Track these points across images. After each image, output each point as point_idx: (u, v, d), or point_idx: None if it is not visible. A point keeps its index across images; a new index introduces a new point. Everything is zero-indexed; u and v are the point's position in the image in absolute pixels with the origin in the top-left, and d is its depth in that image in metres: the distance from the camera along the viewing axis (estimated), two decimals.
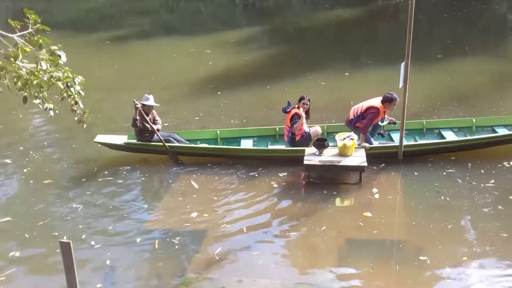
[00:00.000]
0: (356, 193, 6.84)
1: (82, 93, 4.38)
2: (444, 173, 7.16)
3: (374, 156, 7.32)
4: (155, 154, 7.87)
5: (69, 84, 4.28)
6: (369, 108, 7.44)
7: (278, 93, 10.82)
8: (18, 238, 6.03)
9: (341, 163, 6.96)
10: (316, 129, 7.78)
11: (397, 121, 7.69)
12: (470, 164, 7.34)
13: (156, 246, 5.81)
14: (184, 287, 5.18)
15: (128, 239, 5.96)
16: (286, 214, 6.40)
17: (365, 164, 6.90)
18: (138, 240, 5.93)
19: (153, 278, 5.34)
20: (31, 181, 7.41)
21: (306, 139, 7.66)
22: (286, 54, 14.96)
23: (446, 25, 18.17)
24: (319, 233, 5.97)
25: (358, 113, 7.55)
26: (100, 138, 7.98)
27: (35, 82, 4.13)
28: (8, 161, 8.09)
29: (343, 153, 7.07)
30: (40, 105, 4.21)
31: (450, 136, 7.96)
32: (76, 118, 4.62)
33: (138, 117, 7.57)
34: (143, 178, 7.52)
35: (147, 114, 7.71)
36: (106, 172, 7.60)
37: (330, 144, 7.34)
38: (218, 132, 8.26)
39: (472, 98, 10.43)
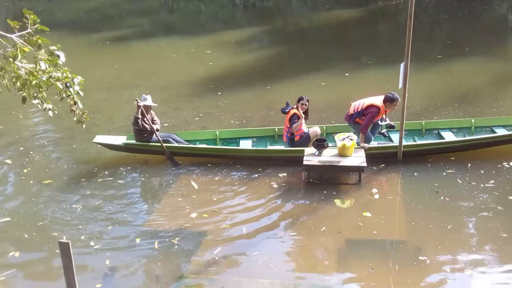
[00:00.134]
0: (355, 193, 6.84)
1: (81, 93, 4.38)
2: (444, 173, 7.16)
3: (373, 157, 7.32)
4: (155, 155, 7.87)
5: (68, 84, 4.28)
6: (370, 106, 7.44)
7: (278, 94, 10.83)
8: (17, 239, 6.03)
9: (340, 164, 6.96)
10: (315, 130, 7.78)
11: (394, 125, 7.70)
12: (469, 165, 7.34)
13: (156, 246, 5.81)
14: (183, 287, 5.18)
15: (127, 239, 5.96)
16: (285, 214, 6.40)
17: (365, 164, 6.90)
18: (138, 240, 5.93)
19: (152, 279, 5.34)
20: (31, 181, 7.42)
21: (305, 140, 7.66)
22: (287, 54, 14.96)
23: (446, 25, 18.17)
24: (319, 233, 5.97)
25: (359, 110, 7.54)
26: (99, 138, 7.99)
27: (34, 82, 4.13)
28: (8, 161, 8.10)
29: (342, 153, 7.07)
30: (39, 105, 4.22)
31: (449, 137, 7.96)
32: (75, 118, 4.62)
33: (140, 116, 7.58)
34: (143, 179, 7.53)
35: (146, 114, 7.71)
36: (106, 173, 7.60)
37: (330, 144, 7.33)
38: (217, 132, 8.26)
39: (472, 99, 10.43)
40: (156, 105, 8.05)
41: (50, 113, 4.32)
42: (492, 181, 6.88)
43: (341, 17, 20.16)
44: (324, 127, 8.27)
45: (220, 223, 6.21)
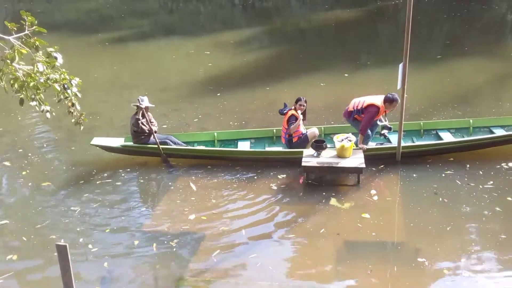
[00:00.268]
0: (354, 194, 6.83)
1: (79, 95, 4.38)
2: (443, 174, 7.15)
3: (372, 158, 7.31)
4: (153, 157, 7.85)
5: (66, 86, 4.28)
6: (370, 105, 7.43)
7: (277, 94, 10.81)
8: (15, 241, 6.03)
9: (339, 165, 6.95)
10: (313, 131, 7.77)
11: (391, 126, 7.70)
12: (468, 165, 7.33)
13: (154, 249, 5.80)
14: None
15: (126, 242, 5.95)
16: (284, 216, 6.39)
17: (363, 165, 6.89)
18: (136, 242, 5.92)
19: (151, 281, 5.34)
20: (30, 184, 7.41)
21: (303, 141, 7.65)
22: (286, 55, 14.95)
23: (445, 25, 18.15)
24: (318, 235, 5.96)
25: (359, 108, 7.53)
26: (97, 140, 7.98)
27: (31, 84, 4.13)
28: (6, 163, 8.09)
29: (341, 154, 7.06)
30: (36, 107, 4.22)
31: (447, 137, 7.96)
32: (73, 120, 4.61)
33: (141, 117, 7.58)
34: (141, 181, 7.51)
35: (143, 116, 7.70)
36: (105, 175, 7.59)
37: (328, 145, 7.32)
38: (216, 134, 8.25)
39: (471, 99, 10.42)
40: (154, 105, 8.04)
41: (48, 115, 4.32)
42: (491, 182, 6.87)
43: (340, 17, 20.15)
44: (322, 128, 8.26)
45: (219, 226, 6.19)
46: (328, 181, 7.16)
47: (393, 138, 7.88)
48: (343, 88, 11.35)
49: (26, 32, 4.07)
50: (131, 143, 7.81)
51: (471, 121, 8.19)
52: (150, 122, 7.77)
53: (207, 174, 7.49)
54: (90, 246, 5.87)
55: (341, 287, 5.15)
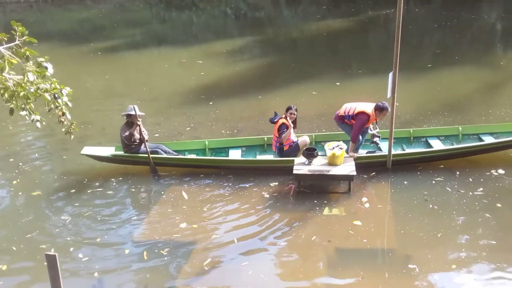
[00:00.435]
0: (346, 202, 6.86)
1: (70, 104, 4.38)
2: (433, 181, 7.20)
3: (363, 166, 7.36)
4: (144, 166, 7.84)
5: (56, 95, 4.29)
6: (361, 113, 7.49)
7: (270, 103, 10.86)
8: (5, 251, 5.98)
9: (330, 172, 6.98)
10: (304, 139, 7.80)
11: (379, 135, 7.77)
12: (458, 173, 7.39)
13: (145, 257, 5.78)
14: None
15: (116, 250, 5.93)
16: (276, 223, 6.39)
17: (354, 173, 6.92)
18: (127, 251, 5.90)
19: None
20: (20, 193, 7.38)
21: (294, 149, 7.68)
22: (278, 64, 15.04)
23: (436, 35, 18.35)
24: (309, 242, 5.98)
25: (350, 113, 7.59)
26: (87, 150, 7.96)
27: (21, 93, 4.14)
28: None
29: (332, 162, 7.10)
30: (27, 116, 4.22)
31: (436, 144, 8.03)
32: (63, 129, 4.62)
33: (135, 134, 7.59)
34: (133, 190, 7.49)
35: (133, 125, 7.69)
36: (96, 184, 7.57)
37: (319, 153, 7.36)
38: (207, 142, 8.26)
39: (461, 107, 10.52)
40: (144, 114, 8.03)
41: (38, 124, 4.32)
42: (481, 189, 6.92)
43: (332, 27, 20.32)
44: (313, 135, 8.30)
45: (210, 234, 6.19)
46: (319, 189, 7.18)
47: (384, 146, 7.94)
48: (335, 97, 11.40)
49: (17, 42, 4.09)
50: (121, 153, 7.80)
51: (460, 128, 8.27)
52: (141, 130, 7.75)
53: (199, 183, 7.49)
54: (80, 255, 5.85)
55: None
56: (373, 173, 7.46)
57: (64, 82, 4.33)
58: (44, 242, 6.12)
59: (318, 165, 7.14)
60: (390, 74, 7.04)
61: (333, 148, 7.13)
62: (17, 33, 4.09)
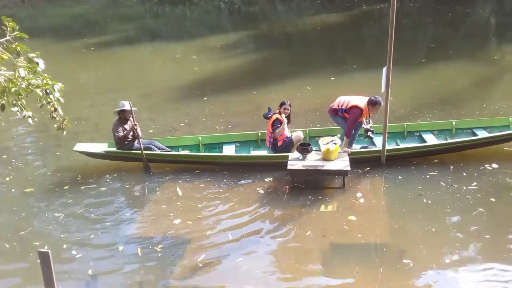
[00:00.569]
0: (340, 197, 6.86)
1: (62, 100, 4.34)
2: (427, 176, 7.21)
3: (357, 161, 7.36)
4: (137, 162, 7.79)
5: (48, 91, 4.25)
6: (353, 107, 7.48)
7: (264, 98, 10.83)
8: None
9: (324, 168, 6.98)
10: (298, 134, 7.78)
11: (373, 129, 7.77)
12: (452, 167, 7.40)
13: (139, 254, 5.76)
14: None
15: (110, 247, 5.90)
16: (271, 219, 6.39)
17: (348, 168, 6.92)
18: (121, 248, 5.88)
19: (135, 287, 5.29)
20: (13, 190, 7.32)
21: (288, 145, 7.66)
22: (272, 59, 14.99)
23: (430, 29, 18.34)
24: (304, 237, 5.97)
25: (343, 107, 7.59)
26: (80, 146, 7.89)
27: (13, 89, 4.10)
28: None
29: (326, 157, 7.09)
30: (18, 112, 4.18)
31: (430, 139, 8.04)
32: (55, 125, 4.58)
33: (130, 137, 7.55)
34: (127, 186, 7.45)
35: (127, 121, 7.64)
36: (90, 180, 7.53)
37: (313, 148, 7.35)
38: (200, 138, 8.22)
39: (456, 101, 10.53)
40: (137, 109, 7.96)
41: (30, 120, 4.28)
42: (475, 183, 6.94)
43: (326, 21, 20.26)
44: (307, 130, 8.29)
45: (204, 230, 6.17)
46: (314, 184, 7.17)
47: (377, 141, 7.94)
48: (330, 92, 11.36)
49: (8, 37, 4.04)
50: (114, 149, 7.74)
51: (453, 122, 8.28)
52: (135, 125, 7.65)
53: (193, 179, 7.46)
54: (74, 252, 5.81)
55: None
56: (368, 168, 7.46)
57: (57, 78, 4.28)
58: (37, 239, 6.08)
59: (312, 160, 7.13)
60: (384, 69, 7.03)
61: (327, 143, 7.13)
62: (8, 28, 4.04)
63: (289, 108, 7.74)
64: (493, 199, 6.57)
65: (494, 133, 7.90)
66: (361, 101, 7.56)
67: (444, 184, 6.98)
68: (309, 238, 5.96)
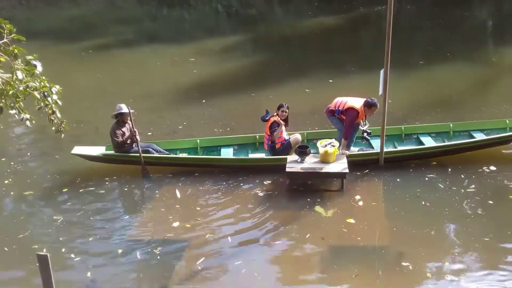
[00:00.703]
0: (339, 200, 6.86)
1: (60, 103, 4.34)
2: (426, 178, 7.22)
3: (355, 163, 7.36)
4: (136, 165, 7.76)
5: (46, 93, 4.25)
6: (350, 109, 7.50)
7: (262, 101, 10.82)
8: None
9: (322, 170, 6.98)
10: (296, 137, 7.79)
11: (370, 131, 7.77)
12: (450, 169, 7.41)
13: (138, 257, 5.75)
14: None
15: (109, 251, 5.89)
16: (269, 222, 6.38)
17: (347, 170, 6.92)
18: (120, 251, 5.86)
19: None
20: (12, 193, 7.31)
21: (286, 147, 7.66)
22: (271, 61, 15.00)
23: (427, 32, 18.38)
24: (303, 240, 5.97)
25: (340, 108, 7.61)
26: (78, 150, 7.86)
27: (10, 92, 4.09)
28: None
29: (324, 160, 7.09)
30: (16, 115, 4.18)
31: (428, 141, 8.06)
32: (53, 128, 4.57)
33: (128, 142, 7.53)
34: (126, 189, 7.44)
35: (124, 123, 7.63)
36: (89, 183, 7.51)
37: (312, 151, 7.35)
38: (198, 141, 8.21)
39: (453, 104, 10.56)
40: (134, 111, 7.95)
41: (28, 123, 4.28)
42: (473, 186, 6.95)
43: (325, 24, 20.28)
44: (305, 133, 8.30)
45: (203, 233, 6.16)
46: (312, 187, 7.18)
47: (375, 143, 7.95)
48: (328, 94, 11.30)
49: (5, 40, 4.04)
50: (112, 152, 7.72)
51: (451, 125, 8.30)
52: (135, 131, 7.63)
53: (192, 182, 7.45)
54: (73, 255, 5.80)
55: None
56: (366, 171, 7.47)
57: (55, 80, 4.28)
58: (36, 242, 6.07)
59: (310, 162, 7.13)
60: (382, 71, 7.05)
61: (326, 145, 7.13)
62: (5, 31, 4.04)
63: (287, 110, 7.74)
64: (491, 202, 6.58)
65: (491, 136, 7.92)
66: (357, 102, 7.57)
67: (442, 187, 6.98)
68: (308, 241, 5.95)
